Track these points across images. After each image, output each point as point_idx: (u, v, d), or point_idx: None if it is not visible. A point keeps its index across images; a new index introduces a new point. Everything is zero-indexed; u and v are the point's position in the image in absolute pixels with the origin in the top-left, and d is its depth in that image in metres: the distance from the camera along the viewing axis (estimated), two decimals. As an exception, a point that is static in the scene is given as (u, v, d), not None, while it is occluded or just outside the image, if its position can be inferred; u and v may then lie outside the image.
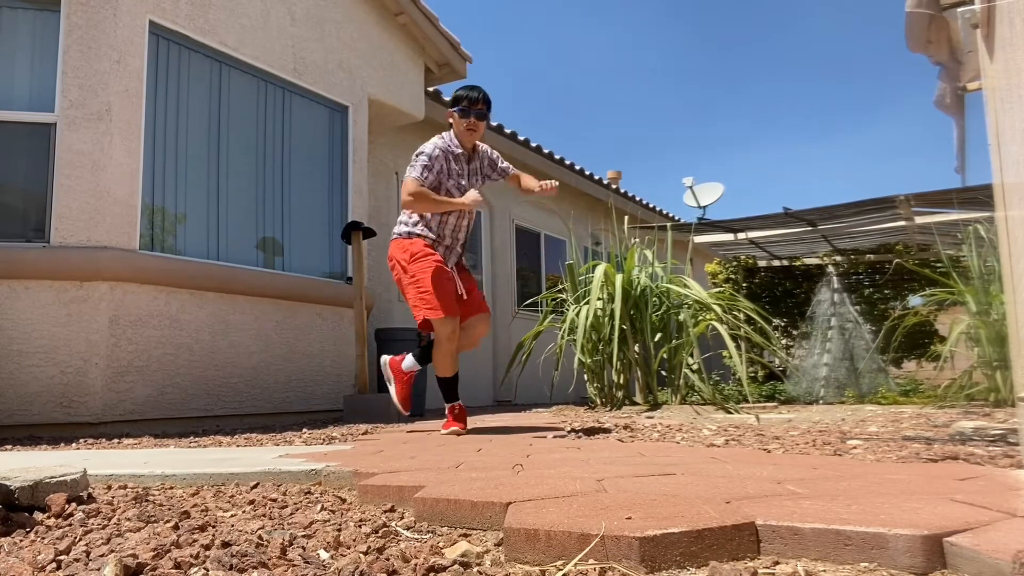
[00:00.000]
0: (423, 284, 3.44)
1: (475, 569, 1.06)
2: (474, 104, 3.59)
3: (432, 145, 3.59)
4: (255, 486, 1.92)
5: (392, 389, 3.79)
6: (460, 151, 3.62)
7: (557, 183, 3.72)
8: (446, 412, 3.64)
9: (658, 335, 5.44)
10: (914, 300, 8.39)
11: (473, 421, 4.68)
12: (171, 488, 1.94)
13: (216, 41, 5.01)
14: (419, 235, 3.57)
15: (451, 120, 3.66)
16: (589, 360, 5.48)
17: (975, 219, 6.39)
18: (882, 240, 8.33)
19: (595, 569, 1.02)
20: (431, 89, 7.23)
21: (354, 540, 1.26)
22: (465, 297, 3.59)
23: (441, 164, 3.54)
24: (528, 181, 3.75)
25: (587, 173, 9.97)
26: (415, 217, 3.59)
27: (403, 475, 1.82)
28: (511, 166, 3.90)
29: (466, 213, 3.63)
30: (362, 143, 6.15)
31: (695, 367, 5.50)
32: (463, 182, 3.61)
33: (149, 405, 4.31)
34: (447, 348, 3.49)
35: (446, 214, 3.57)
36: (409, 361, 3.74)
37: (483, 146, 3.80)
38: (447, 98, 7.46)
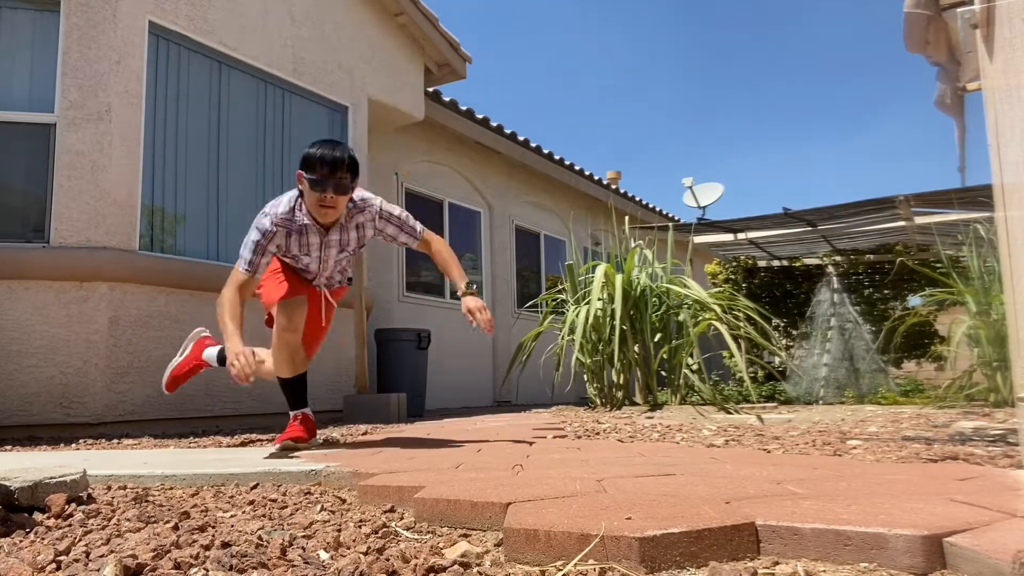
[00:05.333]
0: None
1: (475, 569, 1.06)
2: (334, 171, 2.51)
3: (270, 215, 2.63)
4: (255, 486, 1.92)
5: (177, 359, 3.37)
6: (311, 223, 2.66)
7: (491, 322, 2.67)
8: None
9: (658, 335, 5.44)
10: (914, 300, 8.39)
11: (473, 422, 4.68)
12: (171, 488, 1.94)
13: (216, 41, 5.01)
14: None
15: (300, 185, 2.62)
16: (589, 360, 5.48)
17: (975, 219, 6.38)
18: (882, 240, 8.32)
19: (595, 569, 1.02)
20: (431, 89, 7.24)
21: (354, 540, 1.25)
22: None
23: (280, 241, 2.65)
24: (468, 301, 2.67)
25: (587, 173, 9.97)
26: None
27: (403, 475, 1.82)
28: (421, 229, 2.83)
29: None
30: (362, 143, 6.15)
31: (695, 367, 5.50)
32: (316, 253, 2.73)
33: (149, 406, 4.31)
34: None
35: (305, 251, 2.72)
36: (211, 353, 3.25)
37: (370, 208, 2.74)
38: (447, 98, 7.48)
